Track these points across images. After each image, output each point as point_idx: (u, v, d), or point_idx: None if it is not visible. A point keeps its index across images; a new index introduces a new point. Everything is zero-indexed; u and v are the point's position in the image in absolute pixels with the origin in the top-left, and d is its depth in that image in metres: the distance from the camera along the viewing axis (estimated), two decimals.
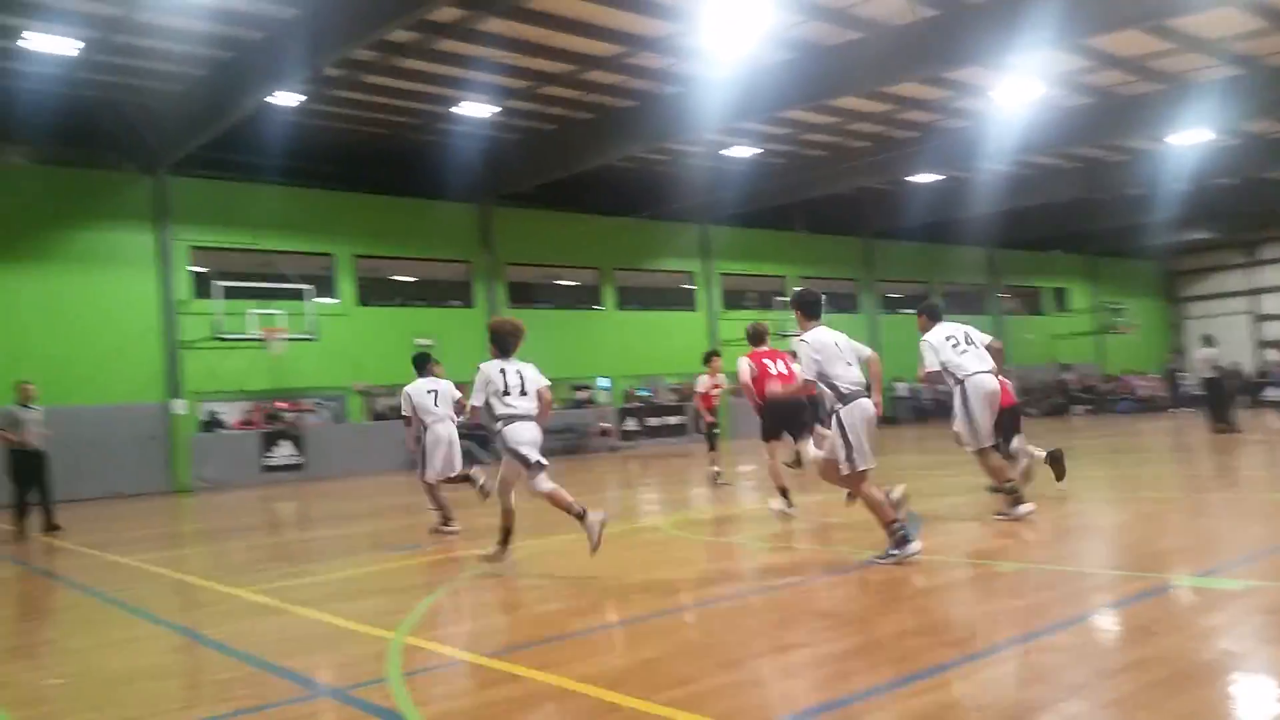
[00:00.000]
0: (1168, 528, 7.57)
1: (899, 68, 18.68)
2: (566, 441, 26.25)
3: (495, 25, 17.57)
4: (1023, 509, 8.18)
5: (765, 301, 31.82)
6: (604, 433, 26.89)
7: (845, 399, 6.71)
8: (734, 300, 32.16)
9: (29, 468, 12.78)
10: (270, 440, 22.34)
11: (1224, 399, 18.86)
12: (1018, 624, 4.87)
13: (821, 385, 6.80)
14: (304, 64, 16.52)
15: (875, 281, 36.31)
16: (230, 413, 23.11)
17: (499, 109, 22.10)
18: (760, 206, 30.01)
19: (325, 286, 23.67)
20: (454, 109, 21.88)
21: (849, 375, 6.81)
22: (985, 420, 8.29)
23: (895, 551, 6.54)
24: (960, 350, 8.49)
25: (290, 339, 21.65)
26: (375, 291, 25.47)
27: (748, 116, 21.47)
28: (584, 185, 27.31)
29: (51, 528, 12.81)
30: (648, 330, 29.00)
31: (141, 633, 6.34)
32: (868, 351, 7.11)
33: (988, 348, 8.67)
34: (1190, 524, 7.80)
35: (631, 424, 27.94)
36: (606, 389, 29.00)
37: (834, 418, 6.78)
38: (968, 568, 6.45)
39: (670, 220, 29.72)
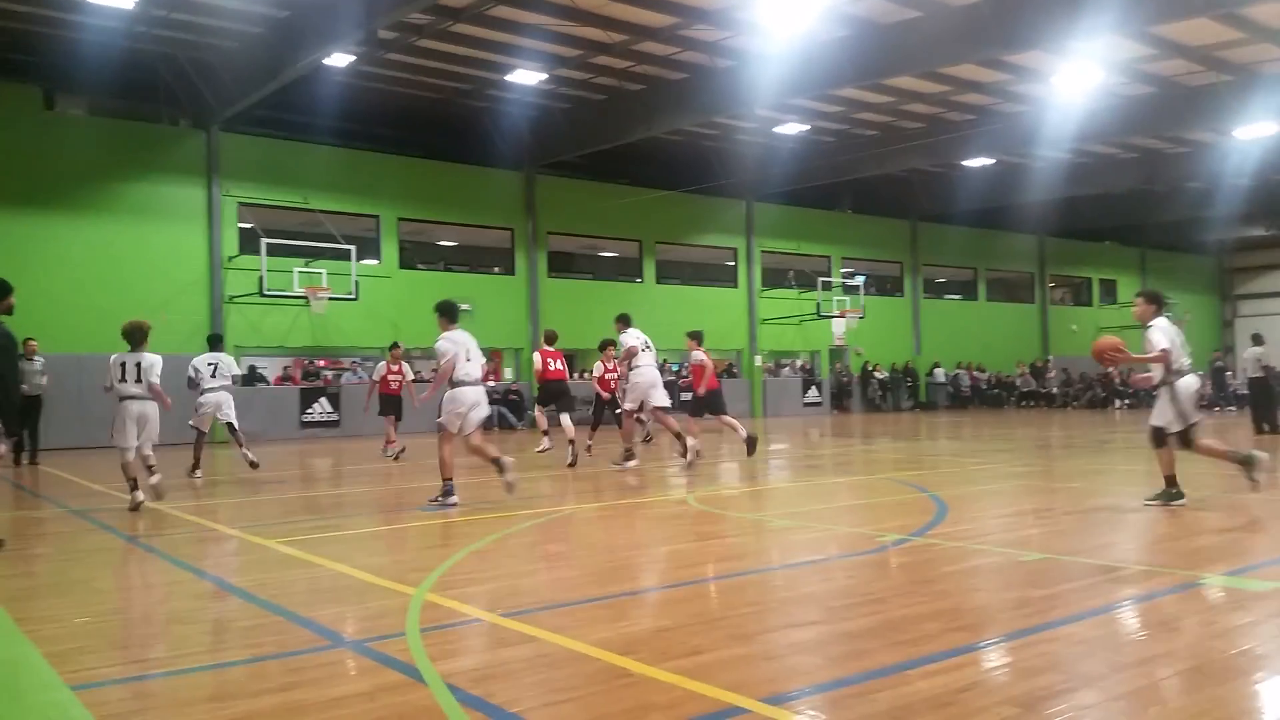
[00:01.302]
0: (1201, 526, 7.44)
1: (957, 49, 18.38)
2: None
3: None
4: (631, 464, 12.91)
5: (808, 281, 31.62)
6: None
7: (455, 384, 9.15)
8: (776, 279, 31.97)
9: (25, 411, 14.60)
10: (308, 397, 22.67)
11: (1270, 399, 18.48)
12: (1036, 613, 4.82)
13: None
14: (358, 25, 16.61)
15: (922, 265, 35.91)
16: (271, 368, 23.49)
17: (548, 77, 22.09)
18: (807, 185, 29.73)
19: (369, 248, 23.92)
20: (504, 76, 21.90)
21: (467, 369, 9.18)
22: (635, 395, 13.23)
23: (445, 501, 9.16)
24: (645, 351, 13.39)
25: (332, 298, 21.90)
26: (417, 255, 25.69)
27: (800, 93, 21.28)
28: (629, 157, 27.24)
29: (33, 461, 15.55)
30: (686, 305, 28.90)
31: (171, 577, 6.49)
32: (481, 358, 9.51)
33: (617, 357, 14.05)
34: (1224, 523, 7.66)
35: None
36: None
37: (444, 398, 9.23)
38: (991, 555, 6.40)
39: (715, 195, 29.49)
